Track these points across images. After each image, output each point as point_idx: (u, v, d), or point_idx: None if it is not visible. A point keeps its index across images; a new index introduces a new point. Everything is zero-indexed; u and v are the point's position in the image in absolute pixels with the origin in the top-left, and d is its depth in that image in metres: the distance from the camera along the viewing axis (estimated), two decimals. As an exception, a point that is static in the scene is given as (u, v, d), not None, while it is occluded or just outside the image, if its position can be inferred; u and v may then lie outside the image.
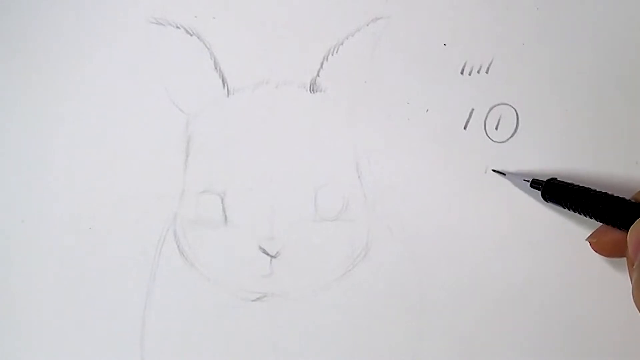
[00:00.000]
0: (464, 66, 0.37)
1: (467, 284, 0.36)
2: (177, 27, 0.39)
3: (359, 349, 0.37)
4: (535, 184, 0.35)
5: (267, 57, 0.38)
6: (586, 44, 0.36)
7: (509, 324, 0.36)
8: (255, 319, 0.38)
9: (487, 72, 0.37)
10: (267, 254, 0.38)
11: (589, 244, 0.34)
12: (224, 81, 0.39)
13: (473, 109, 0.37)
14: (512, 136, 0.36)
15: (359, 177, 0.37)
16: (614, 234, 0.33)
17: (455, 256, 0.36)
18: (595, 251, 0.34)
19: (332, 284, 0.37)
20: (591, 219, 0.33)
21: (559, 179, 0.34)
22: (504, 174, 0.36)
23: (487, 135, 0.37)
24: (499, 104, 0.37)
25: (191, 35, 0.39)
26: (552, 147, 0.36)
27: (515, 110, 0.36)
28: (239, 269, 0.38)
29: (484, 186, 0.36)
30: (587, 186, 0.33)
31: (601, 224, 0.33)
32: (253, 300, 0.38)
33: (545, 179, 0.34)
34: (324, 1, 0.38)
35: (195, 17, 0.39)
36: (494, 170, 0.36)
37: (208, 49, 0.39)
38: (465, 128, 0.37)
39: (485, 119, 0.37)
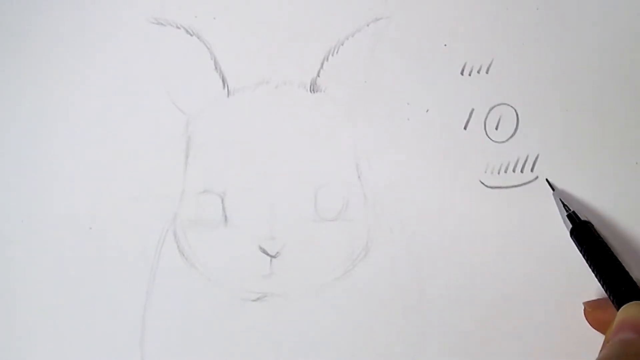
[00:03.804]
0: (464, 66, 0.37)
1: (467, 284, 0.36)
2: (177, 27, 0.39)
3: (359, 349, 0.37)
4: (571, 218, 0.34)
5: (267, 57, 0.38)
6: (586, 43, 0.36)
7: (509, 323, 0.36)
8: (255, 319, 0.38)
9: (487, 72, 0.37)
10: (267, 254, 0.38)
11: (583, 307, 0.34)
12: (224, 81, 0.39)
13: (473, 109, 0.37)
14: (512, 136, 0.36)
15: (359, 177, 0.37)
16: (610, 311, 0.31)
17: (455, 256, 0.36)
18: (586, 318, 0.34)
19: (332, 284, 0.37)
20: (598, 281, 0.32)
21: (596, 227, 0.33)
22: (553, 189, 0.35)
23: (487, 135, 0.37)
24: (499, 104, 0.37)
25: (191, 35, 0.39)
26: (552, 147, 0.36)
27: (515, 110, 0.36)
28: (239, 269, 0.38)
29: (484, 186, 0.36)
30: (613, 246, 0.32)
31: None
32: (253, 300, 0.38)
33: (584, 218, 0.33)
34: (324, 1, 0.38)
35: (195, 17, 0.39)
36: (547, 180, 0.35)
37: (208, 49, 0.39)
38: (465, 128, 0.37)
39: (485, 119, 0.37)
